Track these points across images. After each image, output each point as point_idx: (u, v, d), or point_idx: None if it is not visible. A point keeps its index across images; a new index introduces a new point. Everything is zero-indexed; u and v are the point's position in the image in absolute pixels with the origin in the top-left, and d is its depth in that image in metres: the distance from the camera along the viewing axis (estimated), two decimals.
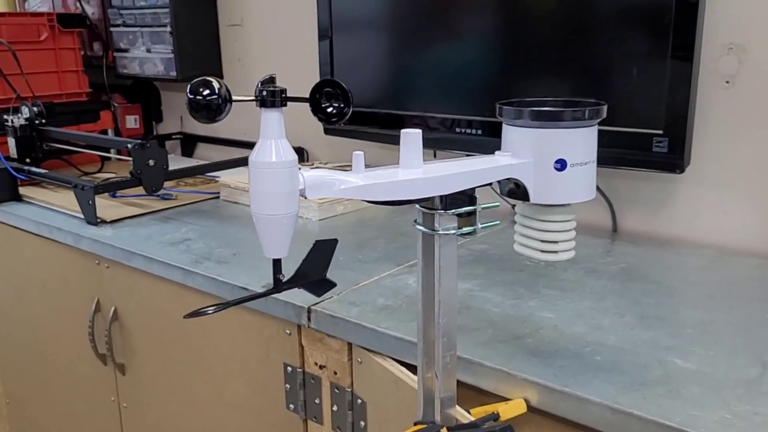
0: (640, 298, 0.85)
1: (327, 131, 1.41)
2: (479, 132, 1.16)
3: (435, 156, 1.36)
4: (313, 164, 1.52)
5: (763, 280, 0.90)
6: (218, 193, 1.40)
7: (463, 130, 1.17)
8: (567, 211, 0.66)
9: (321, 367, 0.87)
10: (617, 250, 1.04)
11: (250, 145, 1.66)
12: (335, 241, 0.58)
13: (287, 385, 0.92)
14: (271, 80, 0.52)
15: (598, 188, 1.15)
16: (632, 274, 0.93)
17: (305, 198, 0.54)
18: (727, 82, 1.01)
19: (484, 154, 0.64)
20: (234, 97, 0.49)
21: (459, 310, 0.82)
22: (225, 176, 1.41)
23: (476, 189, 0.61)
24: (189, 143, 1.86)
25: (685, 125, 0.95)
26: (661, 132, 0.96)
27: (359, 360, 0.82)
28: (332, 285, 0.58)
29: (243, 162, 1.49)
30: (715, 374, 0.66)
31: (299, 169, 0.53)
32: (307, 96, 0.51)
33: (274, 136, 0.51)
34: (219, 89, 0.47)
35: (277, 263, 0.54)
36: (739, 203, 1.04)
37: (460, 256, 1.02)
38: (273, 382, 0.94)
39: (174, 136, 1.87)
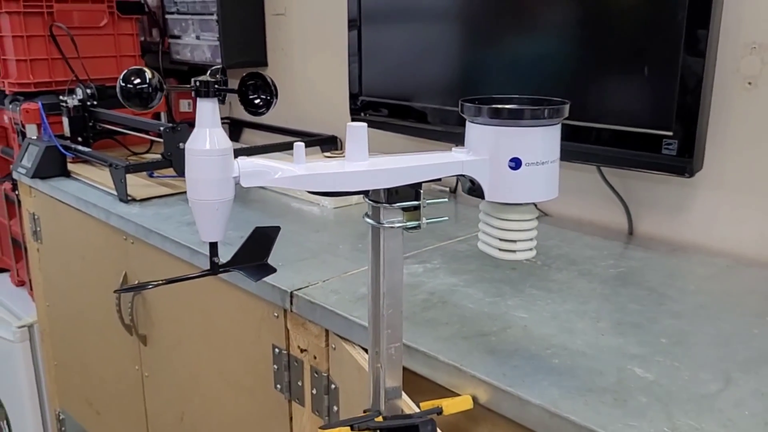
0: (625, 304, 0.82)
1: (354, 121, 1.43)
2: None
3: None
4: (343, 152, 1.54)
5: (766, 294, 0.86)
6: None
7: None
8: (526, 211, 0.65)
9: (303, 350, 0.90)
10: (624, 254, 1.01)
11: (293, 133, 1.70)
12: (278, 228, 0.60)
13: (275, 366, 0.95)
14: (217, 72, 0.55)
15: (614, 190, 1.12)
16: (627, 279, 0.90)
17: (241, 185, 0.56)
18: (750, 83, 0.95)
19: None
20: (167, 86, 0.51)
21: (435, 304, 0.83)
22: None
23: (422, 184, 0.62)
24: (236, 128, 1.93)
25: (695, 127, 0.90)
26: (670, 134, 0.92)
27: (333, 347, 0.84)
28: (272, 270, 0.60)
29: (279, 147, 1.54)
30: (670, 386, 0.64)
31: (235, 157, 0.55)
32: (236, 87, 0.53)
33: (208, 125, 0.53)
34: (150, 79, 0.50)
35: (213, 246, 0.57)
36: (758, 211, 0.98)
37: (459, 251, 1.02)
38: (263, 362, 0.97)
39: (222, 121, 1.94)
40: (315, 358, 0.88)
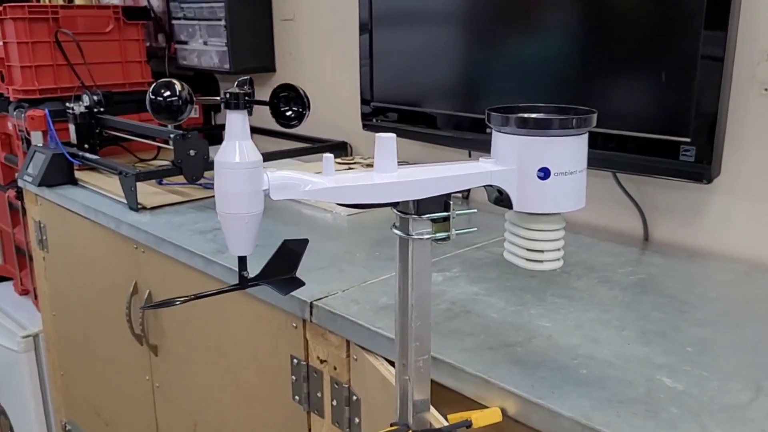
0: (648, 312, 0.82)
1: (365, 127, 1.42)
2: None
3: (470, 156, 1.35)
4: (354, 159, 1.54)
5: None
6: None
7: None
8: (554, 221, 0.65)
9: (322, 361, 0.89)
10: (642, 260, 1.00)
11: (302, 138, 1.69)
12: (306, 241, 0.59)
13: (293, 377, 0.94)
14: (245, 83, 0.54)
15: (629, 196, 1.11)
16: (647, 287, 0.90)
17: (271, 198, 0.55)
18: (766, 89, 0.95)
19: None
20: (197, 98, 0.51)
21: (458, 313, 0.82)
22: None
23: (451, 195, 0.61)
24: None
25: (713, 134, 0.90)
26: (688, 140, 0.92)
27: (355, 357, 0.83)
28: (300, 284, 0.59)
29: (288, 154, 1.53)
30: (701, 396, 0.63)
31: (265, 169, 0.54)
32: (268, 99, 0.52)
33: (238, 137, 0.53)
34: (180, 91, 0.49)
35: (242, 260, 0.56)
36: None
37: (477, 258, 1.01)
38: (281, 373, 0.96)
39: None
40: (335, 369, 0.87)
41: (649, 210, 1.11)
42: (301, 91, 0.52)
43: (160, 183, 1.45)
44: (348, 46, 1.56)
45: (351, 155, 1.62)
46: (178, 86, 0.50)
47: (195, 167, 1.33)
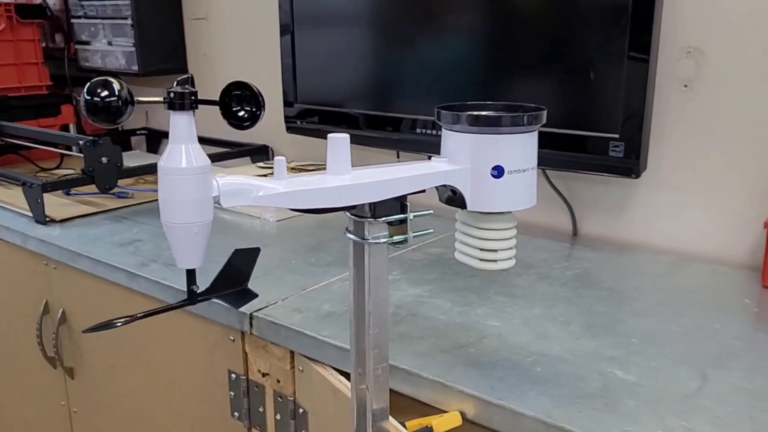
0: (590, 306, 0.83)
1: (289, 129, 1.38)
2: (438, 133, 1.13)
3: (398, 157, 1.34)
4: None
5: (717, 288, 0.89)
6: None
7: (428, 132, 1.15)
8: (506, 219, 0.64)
9: (264, 374, 0.85)
10: (574, 255, 1.02)
11: (217, 142, 1.63)
12: (257, 249, 0.56)
13: (232, 393, 0.89)
14: (186, 81, 0.50)
15: (558, 191, 1.13)
16: (585, 281, 0.91)
17: (220, 206, 0.51)
18: (685, 86, 0.99)
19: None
20: (138, 99, 0.46)
21: (405, 317, 0.80)
22: None
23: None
24: (154, 139, 1.83)
25: (640, 130, 0.93)
26: (617, 136, 0.94)
27: (300, 368, 0.79)
28: (254, 296, 0.56)
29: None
30: (653, 387, 0.64)
31: (213, 175, 0.50)
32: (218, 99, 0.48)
33: (184, 140, 0.48)
34: (120, 91, 0.45)
35: (191, 274, 0.52)
36: (697, 209, 1.02)
37: (415, 260, 1.00)
38: (218, 390, 0.91)
39: (139, 132, 1.83)
40: (278, 381, 0.83)
41: (577, 205, 1.13)
42: (255, 89, 0.48)
43: (67, 194, 1.35)
44: (266, 46, 1.51)
45: (273, 158, 1.57)
46: (116, 85, 0.45)
47: (108, 176, 1.25)
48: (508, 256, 0.65)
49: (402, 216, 0.59)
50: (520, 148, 0.62)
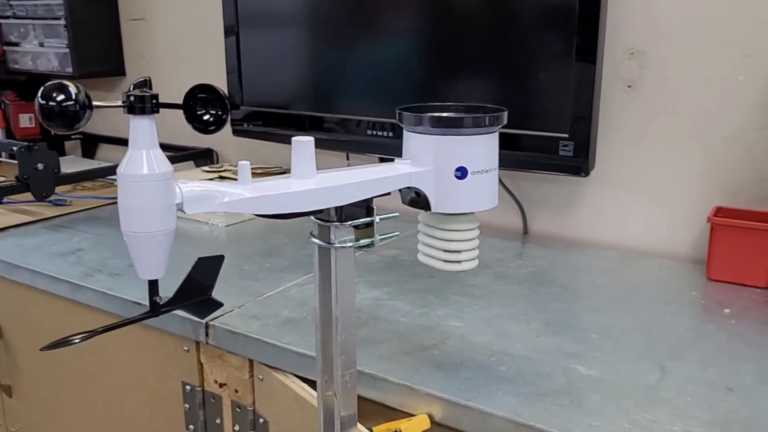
0: (547, 303, 0.84)
1: (235, 132, 1.35)
2: (392, 135, 1.13)
3: (348, 159, 1.33)
4: (222, 167, 1.46)
5: (665, 281, 0.92)
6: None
7: (377, 133, 1.15)
8: (469, 220, 0.64)
9: (221, 385, 0.82)
10: (527, 254, 1.04)
11: (163, 146, 1.57)
12: (221, 257, 0.54)
13: (186, 405, 0.87)
14: (144, 84, 0.48)
15: (509, 191, 1.15)
16: (540, 279, 0.93)
17: (184, 213, 0.49)
18: (629, 86, 1.02)
19: (398, 157, 0.62)
20: (95, 103, 0.44)
21: (366, 320, 0.79)
22: None
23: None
24: (90, 144, 1.76)
25: (589, 129, 0.95)
26: (566, 136, 0.96)
27: (260, 377, 0.78)
28: (218, 305, 0.54)
29: None
30: (616, 381, 0.66)
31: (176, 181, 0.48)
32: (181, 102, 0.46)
33: (145, 146, 0.46)
34: (77, 94, 0.42)
35: (153, 285, 0.50)
36: (643, 205, 1.05)
37: (371, 262, 0.99)
38: (172, 402, 0.88)
39: (73, 137, 1.76)
40: (237, 391, 0.81)
41: (527, 204, 1.15)
42: (221, 93, 0.46)
43: (0, 202, 1.28)
44: (209, 48, 1.48)
45: (218, 162, 1.53)
46: (73, 89, 0.42)
47: (44, 183, 1.19)
48: (472, 257, 0.65)
49: (368, 219, 0.58)
50: (482, 148, 0.62)
